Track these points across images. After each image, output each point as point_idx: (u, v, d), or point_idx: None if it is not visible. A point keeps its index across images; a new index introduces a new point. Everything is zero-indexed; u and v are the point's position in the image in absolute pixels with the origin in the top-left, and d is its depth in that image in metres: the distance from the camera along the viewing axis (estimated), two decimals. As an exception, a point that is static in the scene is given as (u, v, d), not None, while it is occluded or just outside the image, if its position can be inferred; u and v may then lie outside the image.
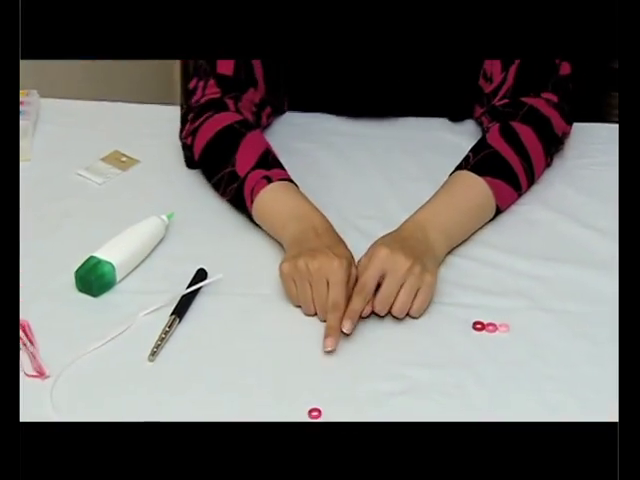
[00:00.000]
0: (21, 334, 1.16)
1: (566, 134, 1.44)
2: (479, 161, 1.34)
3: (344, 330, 1.17)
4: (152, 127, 1.53)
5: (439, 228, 1.27)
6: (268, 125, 1.50)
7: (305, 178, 1.36)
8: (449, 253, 1.29)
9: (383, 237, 1.25)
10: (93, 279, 1.23)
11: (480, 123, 1.48)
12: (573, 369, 1.15)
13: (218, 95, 1.42)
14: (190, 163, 1.44)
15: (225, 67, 1.43)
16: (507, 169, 1.35)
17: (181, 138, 1.43)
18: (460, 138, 1.48)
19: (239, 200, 1.33)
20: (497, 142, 1.36)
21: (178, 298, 1.23)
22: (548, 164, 1.42)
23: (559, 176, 1.43)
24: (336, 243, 1.24)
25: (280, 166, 1.34)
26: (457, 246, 1.30)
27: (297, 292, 1.21)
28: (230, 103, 1.41)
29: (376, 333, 1.20)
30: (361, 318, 1.19)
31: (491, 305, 1.23)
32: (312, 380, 1.14)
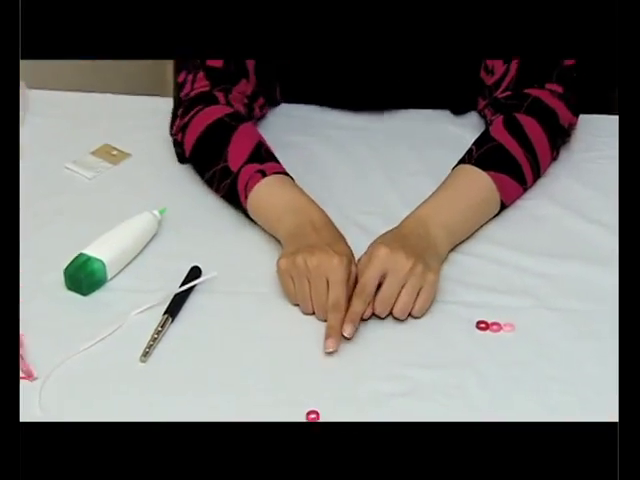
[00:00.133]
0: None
1: (572, 125, 1.43)
2: (482, 155, 1.34)
3: (345, 334, 1.17)
4: (143, 119, 1.53)
5: (441, 224, 1.26)
6: (262, 116, 1.50)
7: (302, 173, 1.35)
8: (452, 250, 1.29)
9: (383, 235, 1.24)
10: (83, 277, 1.23)
11: (483, 116, 1.48)
12: (579, 370, 1.15)
13: (207, 88, 1.42)
14: (182, 159, 1.43)
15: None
16: (511, 163, 1.34)
17: (171, 134, 1.43)
18: (463, 130, 1.48)
19: (233, 196, 1.33)
20: (501, 135, 1.36)
21: (171, 296, 1.22)
22: (554, 157, 1.42)
23: (565, 170, 1.43)
24: (335, 239, 1.23)
25: (274, 159, 1.34)
26: (460, 243, 1.30)
27: (295, 290, 1.21)
28: (220, 96, 1.41)
29: (377, 333, 1.19)
30: (361, 320, 1.19)
31: (495, 304, 1.23)
32: (311, 381, 1.14)
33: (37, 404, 1.09)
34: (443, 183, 1.32)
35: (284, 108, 1.53)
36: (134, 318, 1.20)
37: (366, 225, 1.32)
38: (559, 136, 1.41)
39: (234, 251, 1.30)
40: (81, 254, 1.24)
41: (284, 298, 1.23)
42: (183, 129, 1.40)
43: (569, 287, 1.25)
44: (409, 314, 1.20)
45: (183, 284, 1.24)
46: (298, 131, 1.49)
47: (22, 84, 1.53)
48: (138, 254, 1.29)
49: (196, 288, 1.24)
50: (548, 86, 1.41)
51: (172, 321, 1.20)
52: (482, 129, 1.41)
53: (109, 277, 1.25)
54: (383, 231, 1.25)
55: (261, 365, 1.16)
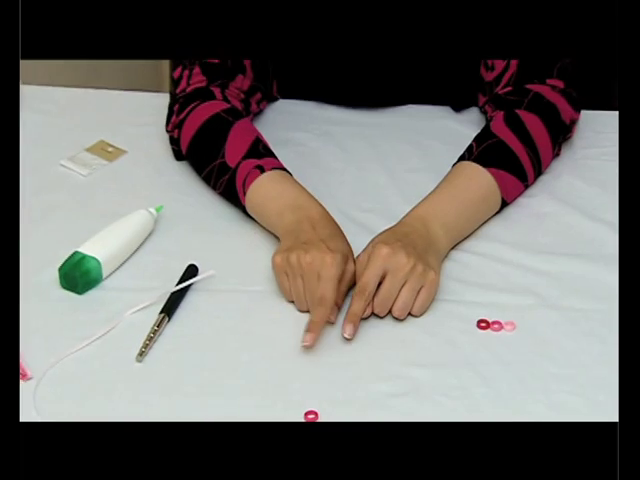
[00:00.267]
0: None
1: (574, 121, 1.44)
2: (483, 151, 1.34)
3: (345, 335, 1.17)
4: (140, 116, 1.53)
5: (442, 222, 1.26)
6: (260, 112, 1.50)
7: (301, 169, 1.35)
8: (453, 248, 1.29)
9: (382, 233, 1.24)
10: (78, 276, 1.23)
11: (484, 112, 1.48)
12: (582, 369, 1.15)
13: (204, 84, 1.42)
14: (178, 156, 1.43)
15: None
16: (513, 159, 1.34)
17: (167, 131, 1.43)
18: (464, 126, 1.48)
19: (231, 192, 1.33)
20: (502, 131, 1.36)
21: (167, 295, 1.22)
22: (556, 154, 1.42)
23: (567, 167, 1.43)
24: (331, 235, 1.23)
25: (272, 154, 1.34)
26: (461, 241, 1.30)
27: (289, 287, 1.21)
28: (216, 91, 1.41)
29: (376, 332, 1.19)
30: (361, 319, 1.19)
31: (496, 302, 1.23)
32: (309, 381, 1.14)
33: (32, 404, 1.09)
34: (443, 180, 1.32)
35: (282, 104, 1.53)
36: (130, 317, 1.21)
37: (365, 222, 1.32)
38: (561, 132, 1.41)
39: (231, 249, 1.30)
40: (76, 252, 1.24)
41: (282, 296, 1.23)
42: (179, 126, 1.40)
43: (571, 285, 1.25)
44: (409, 313, 1.20)
45: (180, 283, 1.23)
46: (296, 127, 1.49)
47: (16, 80, 1.54)
48: (134, 252, 1.29)
49: (193, 287, 1.24)
50: (549, 81, 1.41)
51: (169, 320, 1.20)
52: (483, 125, 1.41)
53: (104, 276, 1.25)
54: (382, 229, 1.25)
55: (259, 364, 1.16)
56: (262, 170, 1.31)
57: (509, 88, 1.42)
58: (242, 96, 1.44)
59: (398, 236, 1.22)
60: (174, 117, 1.41)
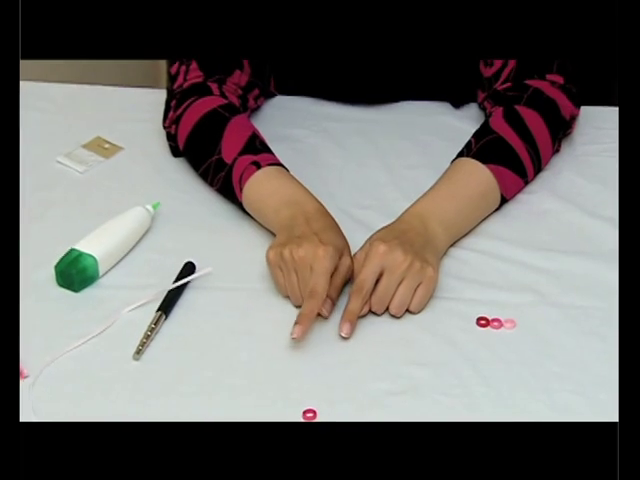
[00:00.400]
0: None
1: (574, 117, 1.44)
2: (482, 147, 1.34)
3: (343, 334, 1.17)
4: (136, 112, 1.53)
5: (440, 219, 1.26)
6: (257, 108, 1.50)
7: (298, 166, 1.35)
8: (452, 245, 1.29)
9: (380, 230, 1.24)
10: (74, 273, 1.23)
11: (483, 108, 1.48)
12: (583, 367, 1.15)
13: (201, 79, 1.42)
14: (175, 152, 1.43)
15: None
16: (512, 156, 1.34)
17: (164, 127, 1.43)
18: (463, 122, 1.48)
19: (228, 189, 1.33)
20: (501, 127, 1.36)
21: (164, 293, 1.22)
22: (556, 150, 1.42)
23: (567, 163, 1.43)
24: (325, 229, 1.23)
25: (268, 150, 1.34)
26: (460, 238, 1.30)
27: (284, 282, 1.21)
28: (214, 87, 1.41)
29: (375, 330, 1.19)
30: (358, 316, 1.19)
31: (496, 300, 1.23)
32: (307, 379, 1.14)
33: (28, 402, 1.09)
34: (442, 177, 1.32)
35: (279, 100, 1.53)
36: (127, 315, 1.21)
37: (363, 219, 1.32)
38: (560, 128, 1.41)
39: (229, 246, 1.30)
40: (72, 250, 1.24)
41: (279, 294, 1.23)
42: (176, 121, 1.40)
43: (571, 283, 1.25)
44: (407, 310, 1.21)
45: (177, 280, 1.24)
46: (294, 124, 1.49)
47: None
48: (131, 250, 1.29)
49: (190, 284, 1.24)
50: (549, 77, 1.41)
51: (166, 318, 1.20)
52: (482, 121, 1.41)
53: (101, 273, 1.26)
54: (380, 225, 1.25)
55: (257, 362, 1.16)
56: (258, 166, 1.31)
57: (508, 84, 1.43)
58: (239, 92, 1.44)
59: (396, 233, 1.22)
60: (171, 113, 1.41)
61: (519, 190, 1.37)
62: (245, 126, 1.37)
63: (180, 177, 1.41)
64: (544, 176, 1.40)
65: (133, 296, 1.22)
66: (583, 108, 1.45)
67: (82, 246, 1.25)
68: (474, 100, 1.51)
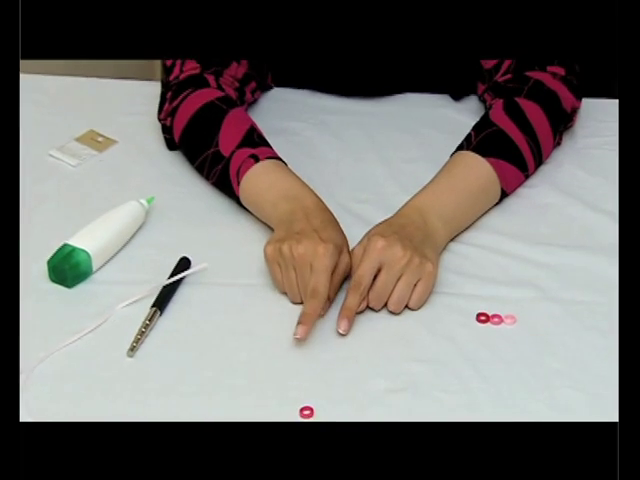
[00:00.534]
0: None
1: (576, 109, 1.43)
2: (482, 140, 1.33)
3: (340, 331, 1.17)
4: (130, 104, 1.52)
5: (440, 213, 1.26)
6: (254, 101, 1.50)
7: (295, 159, 1.35)
8: (451, 240, 1.29)
9: (379, 225, 1.24)
10: (67, 269, 1.23)
11: (483, 101, 1.48)
12: (583, 364, 1.15)
13: (197, 71, 1.41)
14: (171, 145, 1.43)
15: None
16: (512, 149, 1.34)
17: (159, 119, 1.43)
18: (463, 115, 1.48)
19: (225, 182, 1.32)
20: (501, 120, 1.36)
21: (159, 289, 1.22)
22: (557, 143, 1.42)
23: (569, 156, 1.43)
24: (325, 225, 1.22)
25: (267, 144, 1.34)
26: (460, 232, 1.30)
27: (282, 278, 1.21)
28: (211, 79, 1.41)
29: (374, 326, 1.19)
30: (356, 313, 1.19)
31: (496, 295, 1.23)
32: (305, 376, 1.14)
33: (21, 399, 1.09)
34: (441, 170, 1.32)
35: (276, 92, 1.53)
36: (121, 311, 1.20)
37: (361, 213, 1.32)
38: (562, 121, 1.41)
39: (225, 242, 1.30)
40: (65, 245, 1.24)
41: (276, 290, 1.23)
42: (172, 113, 1.40)
43: (573, 278, 1.25)
44: (406, 306, 1.20)
45: (172, 276, 1.23)
46: (291, 116, 1.49)
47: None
48: (125, 245, 1.29)
49: (185, 280, 1.24)
50: (550, 69, 1.41)
51: (160, 314, 1.20)
52: (482, 114, 1.41)
53: (94, 269, 1.25)
54: (378, 220, 1.25)
55: (253, 360, 1.15)
56: (256, 159, 1.30)
57: (509, 76, 1.42)
58: (236, 84, 1.44)
59: (394, 228, 1.22)
60: (167, 105, 1.41)
61: (520, 184, 1.37)
62: (243, 119, 1.37)
63: (175, 171, 1.41)
64: (545, 169, 1.40)
65: (127, 292, 1.22)
66: (584, 100, 1.45)
67: (75, 241, 1.24)
68: (474, 92, 1.51)
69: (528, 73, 1.41)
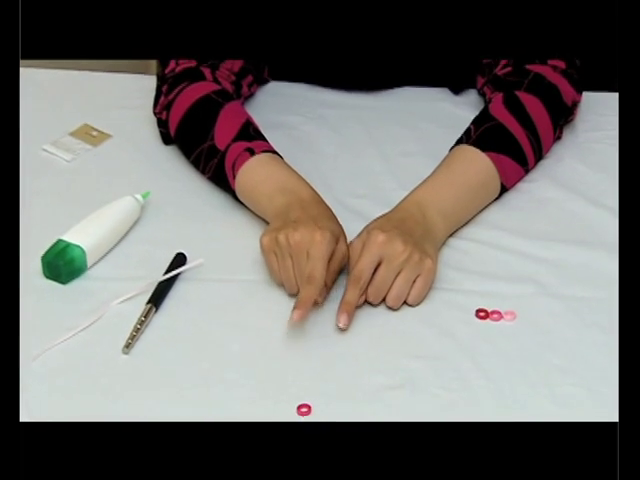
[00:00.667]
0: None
1: (576, 103, 1.43)
2: (482, 134, 1.33)
3: (340, 325, 1.17)
4: (125, 98, 1.52)
5: (439, 208, 1.26)
6: (251, 95, 1.50)
7: (293, 154, 1.35)
8: (450, 235, 1.29)
9: (378, 219, 1.24)
10: (61, 264, 1.23)
11: (483, 94, 1.48)
12: (584, 360, 1.15)
13: (193, 64, 1.41)
14: (166, 139, 1.43)
15: None
16: (512, 143, 1.34)
17: (155, 113, 1.43)
18: (462, 109, 1.48)
19: (221, 176, 1.32)
20: (501, 113, 1.36)
21: (155, 285, 1.22)
22: (557, 137, 1.42)
23: (569, 150, 1.43)
24: (322, 215, 1.22)
25: (263, 137, 1.34)
26: (459, 227, 1.30)
27: (278, 268, 1.21)
28: (207, 72, 1.41)
29: (372, 322, 1.19)
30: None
31: (496, 291, 1.23)
32: (301, 374, 1.14)
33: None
34: (440, 165, 1.32)
35: (273, 86, 1.53)
36: (116, 308, 1.20)
37: (359, 208, 1.32)
38: (562, 114, 1.41)
39: (221, 237, 1.30)
40: (59, 240, 1.24)
41: (273, 285, 1.23)
42: (168, 107, 1.40)
43: (573, 273, 1.25)
44: (405, 302, 1.20)
45: (167, 272, 1.23)
46: (288, 110, 1.49)
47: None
48: (120, 241, 1.29)
49: (181, 276, 1.24)
50: (550, 62, 1.41)
51: (156, 311, 1.20)
52: (481, 108, 1.41)
53: (89, 265, 1.25)
54: (377, 215, 1.25)
55: (250, 356, 1.15)
56: (252, 153, 1.30)
57: (509, 69, 1.42)
58: (233, 78, 1.44)
59: (394, 223, 1.22)
60: (162, 98, 1.41)
61: (519, 178, 1.37)
62: (239, 112, 1.37)
63: (170, 166, 1.41)
64: (545, 164, 1.40)
65: (122, 288, 1.22)
66: (585, 94, 1.45)
67: (69, 237, 1.24)
68: (473, 86, 1.51)
69: (528, 66, 1.41)
